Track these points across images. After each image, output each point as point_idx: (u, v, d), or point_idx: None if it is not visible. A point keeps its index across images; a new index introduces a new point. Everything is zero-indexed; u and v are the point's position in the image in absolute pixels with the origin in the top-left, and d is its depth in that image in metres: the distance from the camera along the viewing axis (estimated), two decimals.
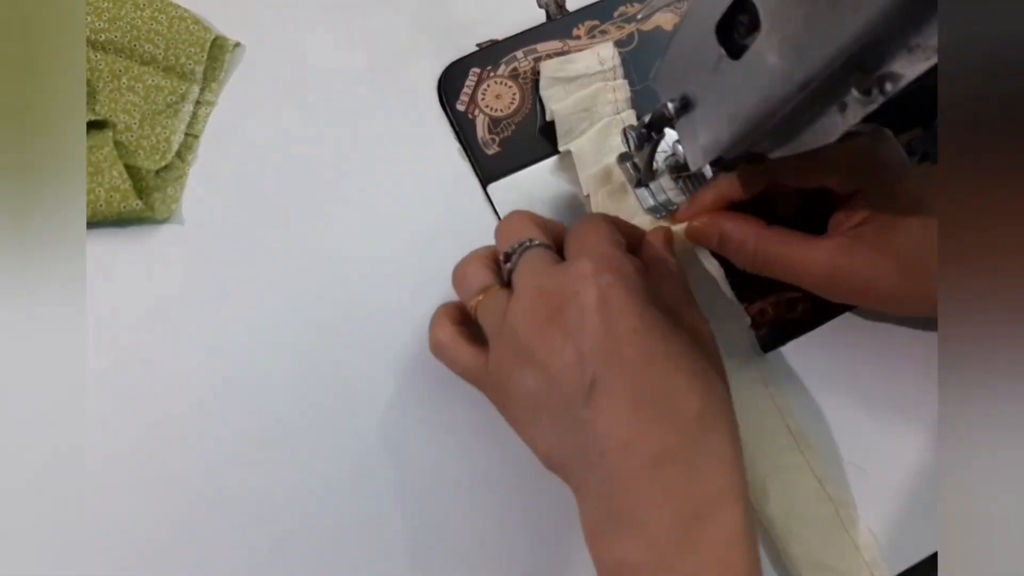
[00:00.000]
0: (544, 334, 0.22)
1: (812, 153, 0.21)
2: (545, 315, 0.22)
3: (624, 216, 0.30)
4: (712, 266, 0.29)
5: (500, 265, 0.25)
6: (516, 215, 0.26)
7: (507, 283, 0.25)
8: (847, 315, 0.31)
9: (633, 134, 0.26)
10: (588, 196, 0.30)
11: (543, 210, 0.31)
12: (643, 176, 0.29)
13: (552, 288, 0.23)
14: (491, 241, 0.31)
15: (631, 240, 0.27)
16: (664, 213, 0.29)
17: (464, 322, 0.26)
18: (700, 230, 0.28)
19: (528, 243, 0.25)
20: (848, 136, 0.20)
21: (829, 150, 0.21)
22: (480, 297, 0.25)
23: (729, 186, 0.27)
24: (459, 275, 0.26)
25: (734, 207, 0.28)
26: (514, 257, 0.24)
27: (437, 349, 0.26)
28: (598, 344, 0.21)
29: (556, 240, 0.26)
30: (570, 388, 0.22)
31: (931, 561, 0.28)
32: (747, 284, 0.30)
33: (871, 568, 0.27)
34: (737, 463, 0.21)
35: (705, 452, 0.21)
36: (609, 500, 0.21)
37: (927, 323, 0.30)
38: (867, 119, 0.19)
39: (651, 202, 0.29)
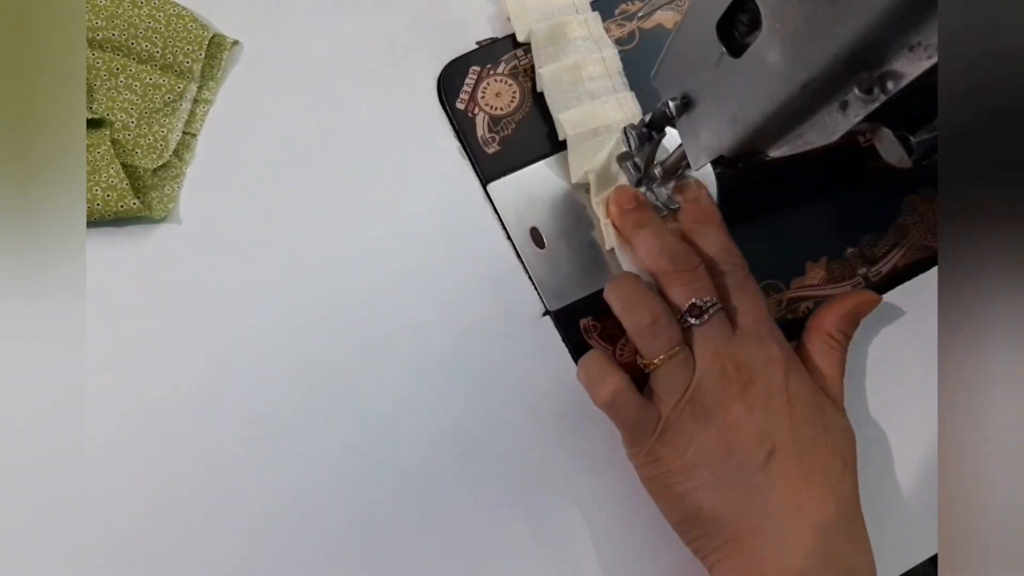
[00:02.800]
0: (731, 402, 0.25)
1: None
2: (737, 387, 0.25)
3: None
4: None
5: (669, 307, 0.26)
6: (696, 264, 0.26)
7: (684, 333, 0.26)
8: None
9: (633, 133, 0.26)
10: (589, 191, 0.30)
11: (543, 209, 0.31)
12: (644, 175, 0.29)
13: (743, 362, 0.25)
14: (491, 241, 0.31)
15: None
16: (665, 212, 0.29)
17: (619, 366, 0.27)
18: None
19: (718, 305, 0.26)
20: (849, 135, 0.19)
21: None
22: (665, 356, 0.26)
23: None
24: (646, 323, 0.26)
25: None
26: (705, 317, 0.26)
27: (613, 400, 0.26)
28: (780, 422, 0.25)
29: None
30: (747, 455, 0.24)
31: (931, 563, 0.28)
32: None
33: None
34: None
35: (859, 529, 0.25)
36: (770, 563, 0.24)
37: (927, 323, 0.30)
38: (868, 118, 0.19)
39: (652, 201, 0.29)
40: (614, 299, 0.27)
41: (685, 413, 0.25)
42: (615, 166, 0.30)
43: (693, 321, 0.26)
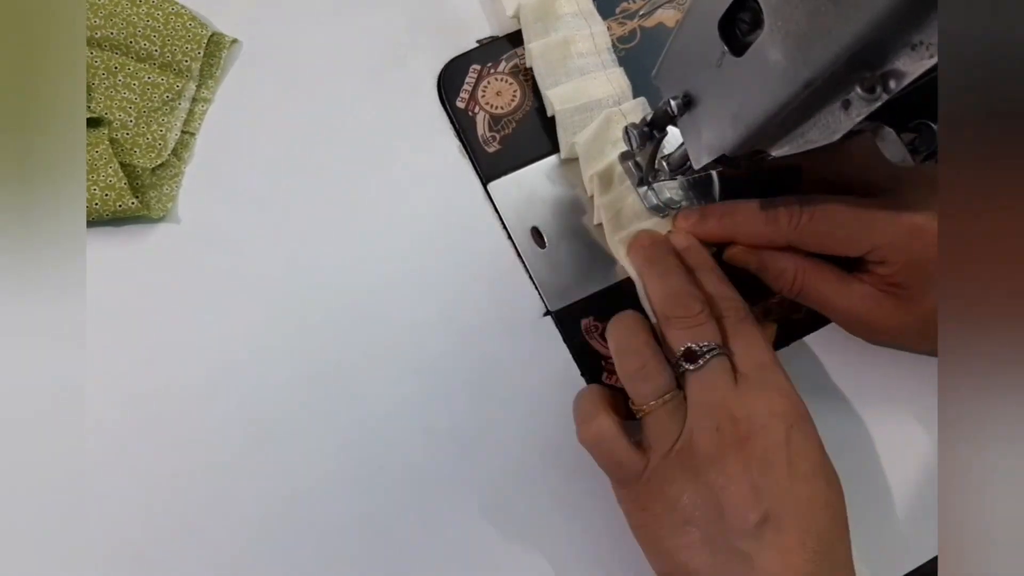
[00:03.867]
0: (724, 459, 0.23)
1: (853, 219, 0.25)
2: (732, 442, 0.23)
3: (626, 216, 0.30)
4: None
5: (662, 348, 0.25)
6: (698, 309, 0.25)
7: (677, 379, 0.25)
8: None
9: (635, 132, 0.26)
10: (592, 197, 0.30)
11: (544, 209, 0.31)
12: (645, 175, 0.29)
13: (741, 415, 0.23)
14: (491, 240, 0.31)
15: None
16: (667, 212, 0.29)
17: (616, 409, 0.25)
18: (741, 252, 0.28)
19: (718, 349, 0.24)
20: (851, 134, 0.19)
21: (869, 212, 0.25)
22: (656, 403, 0.24)
23: (743, 228, 0.28)
24: (633, 368, 0.25)
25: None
26: (701, 362, 0.24)
27: (597, 441, 0.25)
28: (777, 483, 0.23)
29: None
30: (738, 517, 0.23)
31: (931, 565, 0.28)
32: (752, 284, 0.30)
33: None
34: None
35: None
36: None
37: None
38: (871, 117, 0.19)
39: (653, 201, 0.29)
40: (610, 340, 0.26)
41: (675, 465, 0.24)
42: (602, 140, 0.30)
43: (688, 367, 0.24)
